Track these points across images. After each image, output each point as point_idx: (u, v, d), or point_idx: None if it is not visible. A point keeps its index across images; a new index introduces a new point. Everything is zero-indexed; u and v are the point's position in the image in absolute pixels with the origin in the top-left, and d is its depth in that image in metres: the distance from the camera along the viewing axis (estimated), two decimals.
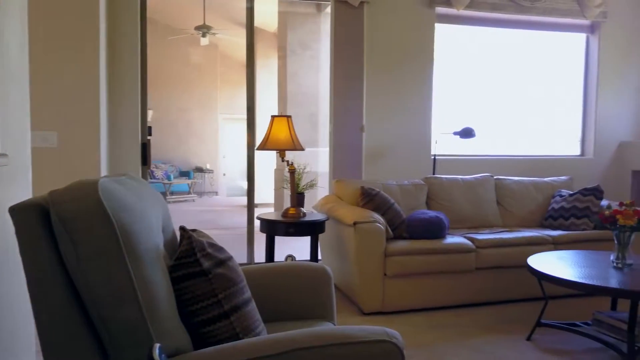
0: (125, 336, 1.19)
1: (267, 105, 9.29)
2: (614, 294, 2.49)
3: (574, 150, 5.57)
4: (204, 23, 8.53)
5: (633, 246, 3.76)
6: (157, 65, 10.62)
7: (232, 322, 1.40)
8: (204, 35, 8.69)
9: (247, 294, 1.52)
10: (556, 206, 4.10)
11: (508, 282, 3.58)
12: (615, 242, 2.82)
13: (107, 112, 3.84)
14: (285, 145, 3.35)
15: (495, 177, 4.36)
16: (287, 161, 3.46)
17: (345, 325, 1.41)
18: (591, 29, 5.41)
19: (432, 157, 4.75)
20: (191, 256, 1.40)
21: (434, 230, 3.49)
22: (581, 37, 5.48)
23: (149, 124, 4.23)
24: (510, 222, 4.22)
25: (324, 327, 1.41)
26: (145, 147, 4.10)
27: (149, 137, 4.21)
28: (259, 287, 1.97)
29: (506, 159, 5.08)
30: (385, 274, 3.33)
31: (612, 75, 5.43)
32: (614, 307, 3.09)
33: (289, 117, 3.44)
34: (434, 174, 4.68)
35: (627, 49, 5.47)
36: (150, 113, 11.13)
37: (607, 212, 2.79)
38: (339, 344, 1.25)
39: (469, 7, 4.77)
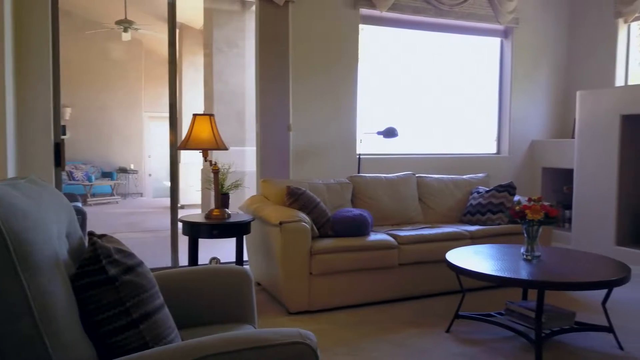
0: (20, 352, 1.10)
1: (194, 103, 9.08)
2: (523, 285, 2.64)
3: (491, 148, 5.87)
4: (126, 17, 8.19)
5: (542, 238, 4.02)
6: (75, 61, 10.09)
7: (141, 331, 1.34)
8: (125, 30, 8.34)
9: (159, 300, 1.46)
10: (474, 202, 4.29)
11: (429, 277, 3.70)
12: (525, 235, 2.99)
13: (15, 110, 3.58)
14: (207, 145, 3.27)
15: (417, 175, 4.50)
16: (211, 161, 3.38)
17: (261, 329, 1.39)
18: (505, 33, 5.72)
19: (358, 156, 4.84)
20: (96, 263, 1.33)
21: (358, 228, 3.54)
22: (496, 41, 5.78)
23: (64, 123, 3.99)
24: (432, 219, 4.37)
25: (239, 332, 1.38)
26: (58, 147, 3.86)
27: (63, 137, 3.97)
28: (176, 292, 1.91)
29: (427, 157, 5.27)
30: (310, 273, 3.34)
31: (524, 77, 5.77)
32: (525, 297, 3.28)
33: (211, 115, 3.36)
34: (359, 172, 4.76)
35: (537, 53, 5.83)
36: (68, 111, 10.61)
37: (517, 208, 2.95)
38: (251, 348, 1.23)
39: (391, 9, 4.90)
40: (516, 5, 5.50)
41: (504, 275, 2.61)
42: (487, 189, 4.37)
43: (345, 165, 4.83)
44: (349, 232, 3.53)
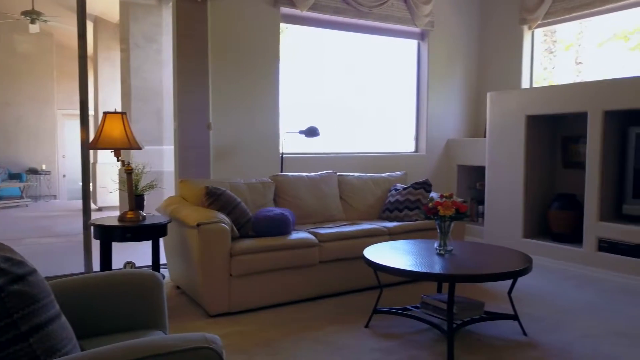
0: None
1: (111, 100, 8.66)
2: (435, 279, 2.74)
3: (410, 147, 6.06)
4: (33, 8, 7.65)
5: (456, 233, 4.21)
6: None
7: (31, 345, 1.25)
8: (32, 22, 7.80)
9: (53, 310, 1.37)
10: (392, 199, 4.41)
11: (350, 274, 3.76)
12: (438, 231, 3.11)
13: None
14: (119, 144, 3.13)
15: (338, 174, 4.55)
16: (123, 161, 3.24)
17: (170, 334, 1.34)
18: (421, 36, 5.93)
19: (280, 155, 4.82)
20: None
21: (279, 227, 3.53)
22: (413, 43, 5.98)
23: None
24: (353, 216, 4.45)
25: (142, 339, 1.32)
26: None
27: None
28: (80, 300, 1.81)
29: (349, 156, 5.36)
30: (230, 274, 3.28)
31: (440, 78, 6.01)
32: (440, 290, 3.42)
33: (123, 113, 3.22)
34: (282, 171, 4.75)
35: (451, 55, 6.09)
36: None
37: (430, 204, 3.06)
38: (153, 355, 1.18)
39: (312, 9, 4.92)
40: (431, 9, 5.72)
41: (417, 270, 2.69)
42: (405, 186, 4.51)
43: (268, 164, 4.81)
44: (270, 231, 3.51)
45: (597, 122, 4.40)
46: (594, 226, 4.45)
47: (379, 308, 3.17)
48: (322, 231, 3.71)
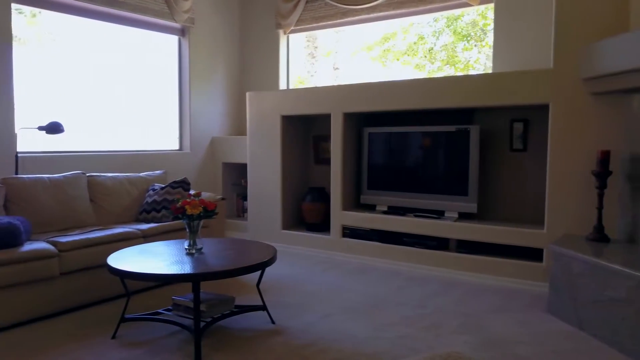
0: None
1: None
2: (178, 280, 2.67)
3: (174, 145, 5.92)
4: None
5: (216, 230, 4.25)
6: None
7: None
8: None
9: None
10: (149, 200, 4.24)
11: (100, 283, 3.49)
12: (187, 230, 3.08)
13: None
14: None
15: (88, 175, 4.18)
16: None
17: None
18: (182, 32, 5.82)
19: (15, 155, 4.21)
20: None
21: (6, 238, 3.07)
22: (174, 38, 5.84)
23: None
24: (106, 220, 4.14)
25: None
26: None
27: None
28: None
29: (103, 155, 4.97)
30: None
31: (203, 76, 6.00)
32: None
33: None
34: (17, 173, 4.16)
35: (213, 53, 6.13)
36: None
37: (178, 204, 3.01)
38: None
39: None
40: (191, 5, 5.66)
41: (160, 273, 2.62)
42: (163, 185, 4.38)
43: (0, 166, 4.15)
44: None
45: (338, 123, 4.93)
46: (339, 215, 4.99)
47: (127, 316, 3.01)
48: (63, 239, 3.36)
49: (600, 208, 3.45)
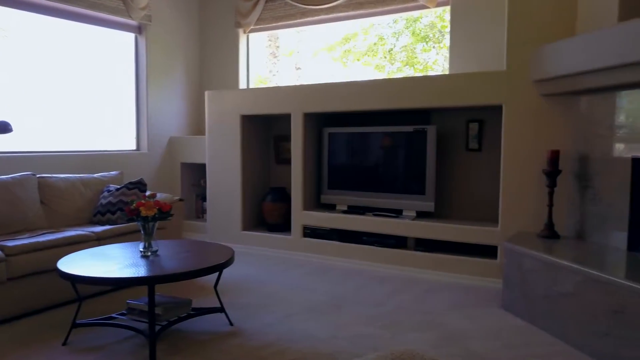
0: None
1: None
2: (132, 284, 2.62)
3: (131, 145, 5.78)
4: None
5: (173, 231, 4.17)
6: None
7: None
8: None
9: None
10: (104, 201, 4.13)
11: (50, 288, 3.37)
12: (142, 232, 3.02)
13: None
14: None
15: (38, 176, 4.04)
16: None
17: None
18: (139, 29, 5.70)
19: None
20: None
21: None
22: (131, 36, 5.70)
23: None
24: (58, 222, 4.01)
25: None
26: None
27: None
28: None
29: (56, 155, 4.80)
30: None
31: (160, 75, 5.89)
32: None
33: None
34: None
35: (172, 52, 6.02)
36: None
37: (132, 206, 2.94)
38: None
39: None
40: (147, 2, 5.54)
41: (111, 277, 2.56)
42: (119, 186, 4.27)
43: None
44: None
45: (298, 123, 4.92)
46: (299, 215, 4.98)
47: (79, 321, 2.92)
48: (10, 243, 3.23)
49: (550, 206, 3.57)
